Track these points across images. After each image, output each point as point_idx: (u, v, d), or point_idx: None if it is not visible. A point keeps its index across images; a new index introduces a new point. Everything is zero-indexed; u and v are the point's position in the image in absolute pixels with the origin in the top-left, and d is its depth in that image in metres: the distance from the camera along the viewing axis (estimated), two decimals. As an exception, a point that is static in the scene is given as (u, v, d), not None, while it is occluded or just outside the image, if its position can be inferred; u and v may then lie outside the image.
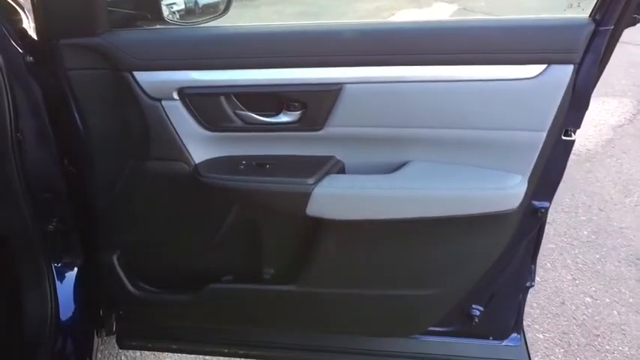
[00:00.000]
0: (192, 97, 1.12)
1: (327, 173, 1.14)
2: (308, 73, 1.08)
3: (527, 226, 1.21)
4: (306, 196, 1.11)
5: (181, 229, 1.27)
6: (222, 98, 1.12)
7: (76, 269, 1.38)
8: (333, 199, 1.13)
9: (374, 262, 1.22)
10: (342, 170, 1.18)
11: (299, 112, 1.12)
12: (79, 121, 1.15)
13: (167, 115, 1.13)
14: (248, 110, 1.14)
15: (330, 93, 1.08)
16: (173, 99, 1.11)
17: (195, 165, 1.17)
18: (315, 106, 1.11)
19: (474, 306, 1.36)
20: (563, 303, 2.11)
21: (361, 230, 1.16)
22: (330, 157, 1.17)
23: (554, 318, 2.04)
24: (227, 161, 1.19)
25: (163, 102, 1.12)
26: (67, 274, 1.38)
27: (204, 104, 1.13)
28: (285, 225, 1.22)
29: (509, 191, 1.10)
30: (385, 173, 1.15)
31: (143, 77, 1.10)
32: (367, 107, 1.10)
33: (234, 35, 1.12)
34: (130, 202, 1.24)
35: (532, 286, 1.39)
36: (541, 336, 1.97)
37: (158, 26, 1.17)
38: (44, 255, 1.31)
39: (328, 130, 1.12)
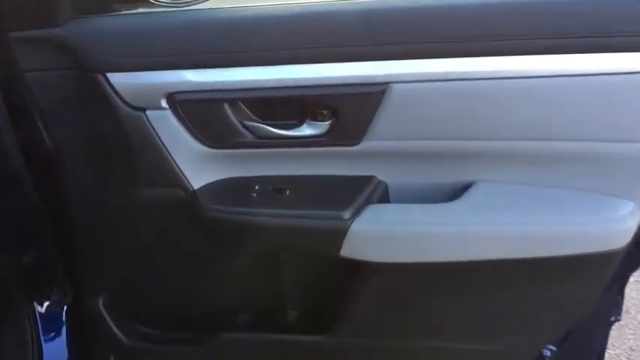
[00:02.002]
0: (187, 105, 0.84)
1: (368, 201, 0.86)
2: (341, 69, 0.80)
3: (634, 260, 0.91)
4: (340, 235, 0.84)
5: (180, 265, 1.00)
6: (227, 105, 0.84)
7: (63, 309, 1.13)
8: (377, 237, 0.85)
9: (429, 311, 0.94)
10: (385, 195, 0.90)
11: (328, 122, 0.84)
12: (46, 138, 0.89)
13: (154, 129, 0.86)
14: (261, 120, 0.86)
15: (371, 96, 0.80)
16: (161, 107, 0.84)
17: (194, 191, 0.90)
18: (351, 113, 0.82)
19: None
20: (627, 311, 1.81)
21: (413, 274, 0.88)
22: (370, 179, 0.89)
23: (619, 330, 1.75)
24: (235, 186, 0.91)
25: (149, 112, 0.85)
26: (52, 316, 1.13)
27: (202, 113, 0.85)
28: (314, 263, 0.94)
29: (619, 225, 0.81)
30: (443, 199, 0.87)
31: (120, 80, 0.83)
32: (421, 113, 0.82)
33: (242, 20, 0.84)
34: (115, 235, 0.98)
35: (618, 320, 1.11)
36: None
37: (140, 10, 0.88)
38: (21, 292, 1.07)
39: (368, 144, 0.84)
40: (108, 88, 0.83)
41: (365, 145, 0.85)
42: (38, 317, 1.13)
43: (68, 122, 0.88)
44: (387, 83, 0.79)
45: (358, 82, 0.80)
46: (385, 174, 0.90)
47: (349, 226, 0.83)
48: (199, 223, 0.91)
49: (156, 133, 0.86)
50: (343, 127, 0.84)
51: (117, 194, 0.93)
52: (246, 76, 0.82)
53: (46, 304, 1.13)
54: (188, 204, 0.90)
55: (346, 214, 0.84)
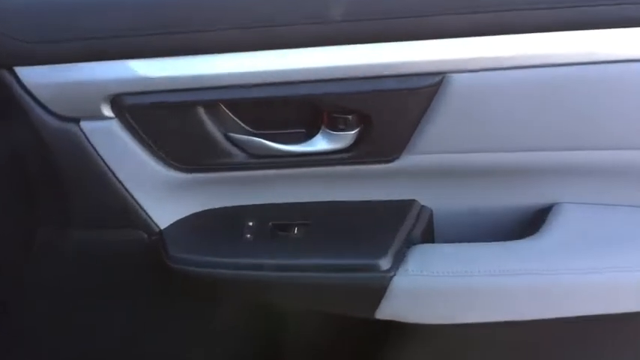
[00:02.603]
0: (142, 111, 0.57)
1: (410, 239, 0.61)
2: (372, 54, 0.53)
3: None
4: (378, 292, 0.58)
5: (138, 340, 0.73)
6: (202, 110, 0.57)
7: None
8: (428, 293, 0.59)
9: None
10: (430, 227, 0.65)
11: (354, 132, 0.57)
12: None
13: (94, 147, 0.58)
14: (254, 131, 0.59)
15: (419, 93, 0.54)
16: (102, 116, 0.57)
17: (161, 232, 0.63)
18: (388, 117, 0.56)
19: None
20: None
21: (477, 336, 0.63)
22: (410, 205, 0.64)
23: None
24: (219, 222, 0.65)
25: (84, 123, 0.58)
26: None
27: (166, 123, 0.58)
28: (332, 325, 0.69)
29: None
30: (510, 232, 0.63)
31: (35, 77, 0.55)
32: (489, 114, 0.56)
33: None
34: (47, 296, 0.70)
35: None
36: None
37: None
38: None
39: (410, 159, 0.59)
40: (17, 88, 0.55)
41: (405, 160, 0.59)
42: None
43: None
44: (442, 73, 0.53)
45: (400, 72, 0.53)
46: (430, 197, 0.64)
47: (390, 281, 0.58)
48: (167, 280, 0.64)
49: (97, 152, 0.58)
50: (376, 137, 0.57)
51: (46, 242, 0.65)
52: (230, 67, 0.54)
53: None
54: (150, 253, 0.63)
55: (384, 263, 0.58)
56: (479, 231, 0.66)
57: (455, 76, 0.53)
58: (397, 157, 0.59)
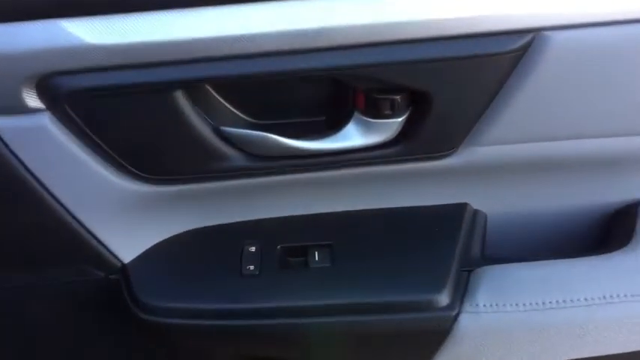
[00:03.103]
0: (87, 99, 0.37)
1: (470, 259, 0.45)
2: (434, 8, 0.36)
3: None
4: (437, 338, 0.43)
5: None
6: (180, 95, 0.38)
7: None
8: (505, 333, 0.44)
9: None
10: (485, 234, 0.49)
11: (401, 119, 0.40)
12: None
13: (15, 154, 0.38)
14: (256, 121, 0.41)
15: (500, 60, 0.37)
16: (24, 109, 0.37)
17: (124, 268, 0.45)
18: (453, 97, 0.39)
19: None
20: None
21: None
22: (462, 209, 0.49)
23: None
24: (207, 248, 0.46)
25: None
26: None
27: (126, 115, 0.39)
28: None
29: None
30: (581, 234, 0.51)
31: None
32: (587, 87, 0.41)
33: None
34: None
35: None
36: None
37: None
38: None
39: (468, 153, 0.43)
40: None
41: (462, 155, 0.43)
42: None
43: None
44: (533, 31, 0.37)
45: (475, 31, 0.37)
46: (482, 199, 0.49)
47: (455, 319, 0.42)
48: (136, 333, 0.45)
49: (20, 161, 0.39)
50: (432, 124, 0.41)
51: None
52: (219, 27, 0.36)
53: None
54: (111, 298, 0.45)
55: (443, 297, 0.42)
56: (537, 237, 0.52)
57: (550, 34, 0.37)
58: (453, 152, 0.43)
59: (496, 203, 0.50)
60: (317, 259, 0.45)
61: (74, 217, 0.42)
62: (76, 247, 0.43)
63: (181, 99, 0.38)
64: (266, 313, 0.43)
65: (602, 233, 0.51)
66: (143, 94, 0.37)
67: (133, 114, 0.38)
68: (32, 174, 0.39)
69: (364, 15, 0.36)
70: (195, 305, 0.43)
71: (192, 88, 0.38)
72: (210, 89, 0.40)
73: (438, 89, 0.39)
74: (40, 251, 0.44)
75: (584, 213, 0.51)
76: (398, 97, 0.39)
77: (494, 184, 0.49)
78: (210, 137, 0.40)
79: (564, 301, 0.43)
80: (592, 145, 0.44)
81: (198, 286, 0.44)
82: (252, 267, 0.45)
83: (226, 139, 0.40)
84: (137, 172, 0.41)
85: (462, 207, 0.48)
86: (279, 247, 0.46)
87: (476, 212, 0.49)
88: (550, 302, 0.43)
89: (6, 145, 0.38)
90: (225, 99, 0.40)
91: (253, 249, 0.46)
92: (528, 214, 0.51)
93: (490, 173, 0.47)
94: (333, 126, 0.41)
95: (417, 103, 0.40)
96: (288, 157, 0.41)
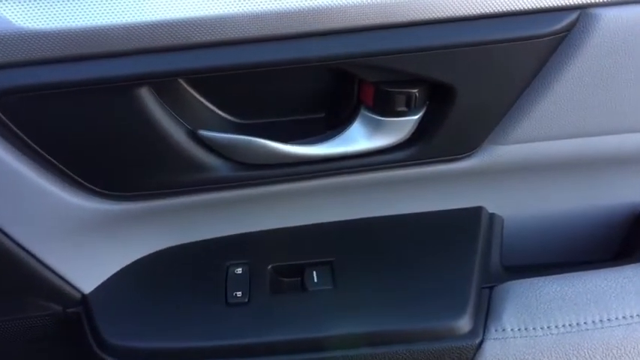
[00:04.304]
0: (26, 101, 0.29)
1: (490, 272, 0.39)
2: None
3: None
4: None
5: None
6: (147, 92, 0.30)
7: None
8: (533, 350, 0.38)
9: None
10: (500, 243, 0.43)
11: (417, 116, 0.33)
12: None
13: None
14: (242, 121, 0.34)
15: (538, 45, 0.31)
16: None
17: (85, 300, 0.37)
18: (481, 90, 0.32)
19: None
20: None
21: None
22: (477, 213, 0.43)
23: None
24: (182, 271, 0.39)
25: None
26: None
27: (78, 119, 0.31)
28: None
29: None
30: (601, 236, 0.47)
31: None
32: (634, 72, 0.34)
33: None
34: None
35: None
36: None
37: None
38: None
39: (489, 153, 0.36)
40: None
41: (482, 156, 0.37)
42: None
43: None
44: (579, 7, 0.31)
45: (510, 9, 0.30)
46: (497, 201, 0.43)
47: (479, 347, 0.36)
48: None
49: None
50: (454, 123, 0.34)
51: None
52: (194, 8, 0.28)
53: None
54: (70, 334, 0.37)
55: (464, 322, 0.36)
56: (556, 241, 0.47)
57: (598, 11, 0.31)
58: (473, 153, 0.37)
59: (512, 205, 0.44)
60: (315, 280, 0.38)
61: (21, 247, 0.34)
62: (27, 279, 0.36)
63: (147, 97, 0.30)
64: (258, 350, 0.36)
65: (628, 237, 0.46)
66: (97, 93, 0.29)
67: (86, 117, 0.30)
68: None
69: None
70: (170, 344, 0.36)
71: (161, 83, 0.30)
72: (184, 84, 0.32)
73: (463, 81, 0.32)
74: None
75: (607, 215, 0.45)
76: (415, 91, 0.32)
77: (512, 185, 0.43)
78: (185, 143, 0.32)
79: (601, 321, 0.37)
80: (629, 140, 0.38)
81: (173, 320, 0.37)
82: (239, 293, 0.38)
83: (205, 144, 0.33)
84: (93, 187, 0.33)
85: (477, 211, 0.42)
86: (269, 266, 0.39)
87: (492, 216, 0.43)
88: (585, 323, 0.37)
89: None
90: (203, 96, 0.33)
91: (240, 270, 0.39)
92: (546, 216, 0.46)
93: (508, 174, 0.41)
94: (335, 126, 0.34)
95: (437, 98, 0.33)
96: (280, 165, 0.34)
